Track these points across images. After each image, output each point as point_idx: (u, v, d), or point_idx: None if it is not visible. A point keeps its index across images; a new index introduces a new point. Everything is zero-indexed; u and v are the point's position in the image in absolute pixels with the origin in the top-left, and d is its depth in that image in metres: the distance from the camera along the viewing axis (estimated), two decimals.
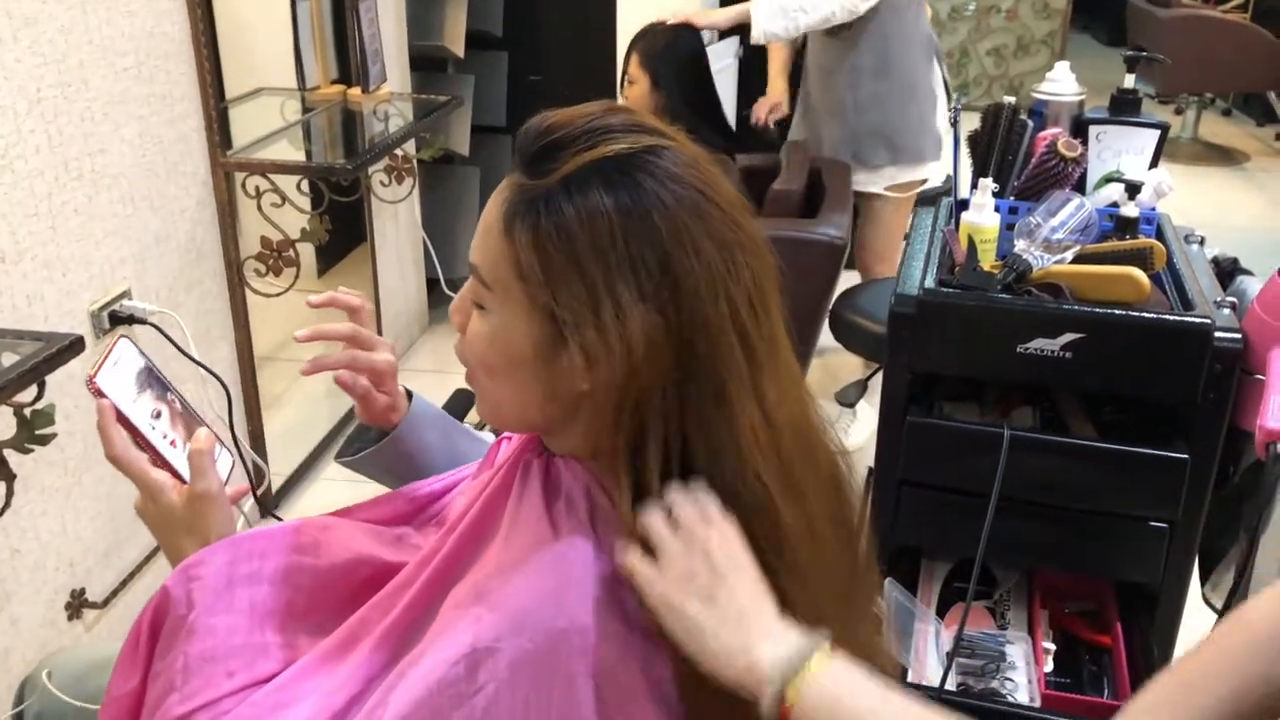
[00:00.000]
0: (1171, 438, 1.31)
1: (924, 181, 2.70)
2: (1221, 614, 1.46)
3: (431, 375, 3.41)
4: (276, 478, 2.70)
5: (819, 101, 2.74)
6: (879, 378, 2.50)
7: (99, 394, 0.88)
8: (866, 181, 2.71)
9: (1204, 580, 1.39)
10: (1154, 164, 1.50)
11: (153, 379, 0.96)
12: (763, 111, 2.95)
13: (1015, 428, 1.29)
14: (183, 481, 0.92)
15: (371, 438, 1.10)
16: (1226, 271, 1.49)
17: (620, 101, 2.60)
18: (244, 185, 2.37)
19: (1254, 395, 1.26)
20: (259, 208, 2.39)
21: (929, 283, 1.34)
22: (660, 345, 0.76)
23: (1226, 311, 1.29)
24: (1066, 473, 1.29)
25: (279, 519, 1.80)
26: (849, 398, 2.14)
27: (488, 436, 1.20)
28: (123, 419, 0.89)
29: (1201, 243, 1.53)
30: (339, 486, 2.74)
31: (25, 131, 1.73)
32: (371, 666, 0.83)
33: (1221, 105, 6.26)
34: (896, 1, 2.53)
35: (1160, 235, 1.48)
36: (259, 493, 1.04)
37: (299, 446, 2.84)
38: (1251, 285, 1.46)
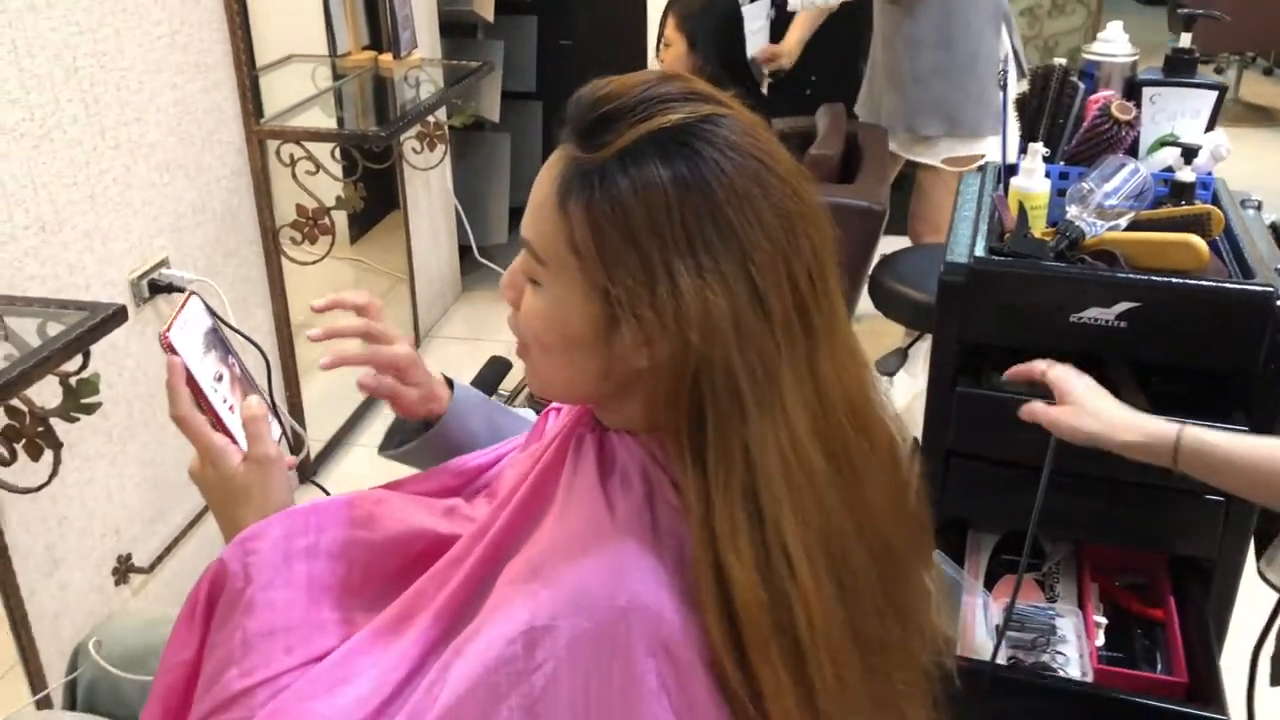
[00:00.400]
0: (1227, 408, 1.28)
1: (981, 157, 2.60)
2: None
3: (464, 343, 3.41)
4: (314, 444, 2.71)
5: (881, 70, 2.67)
6: (919, 346, 2.50)
7: (171, 350, 0.88)
8: (922, 153, 2.65)
9: (1259, 554, 1.36)
10: (1210, 127, 1.46)
11: (217, 340, 0.95)
12: (763, 55, 2.78)
13: None
14: (240, 448, 0.92)
15: (412, 428, 1.09)
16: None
17: (656, 65, 2.57)
18: (278, 153, 2.37)
19: None
20: (293, 175, 2.39)
21: (979, 251, 1.32)
22: (719, 321, 0.74)
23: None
24: None
25: (320, 487, 1.81)
26: (888, 367, 2.12)
27: (526, 413, 1.19)
28: (190, 379, 0.89)
29: (1259, 208, 1.49)
30: (376, 454, 2.75)
31: (63, 101, 1.72)
32: (427, 642, 0.83)
33: (1263, 64, 6.11)
34: None
35: (1216, 200, 1.44)
36: (299, 460, 1.04)
37: (336, 414, 2.85)
38: None
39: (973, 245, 1.35)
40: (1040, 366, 1.22)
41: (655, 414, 0.80)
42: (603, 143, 0.76)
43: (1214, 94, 1.44)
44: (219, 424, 0.91)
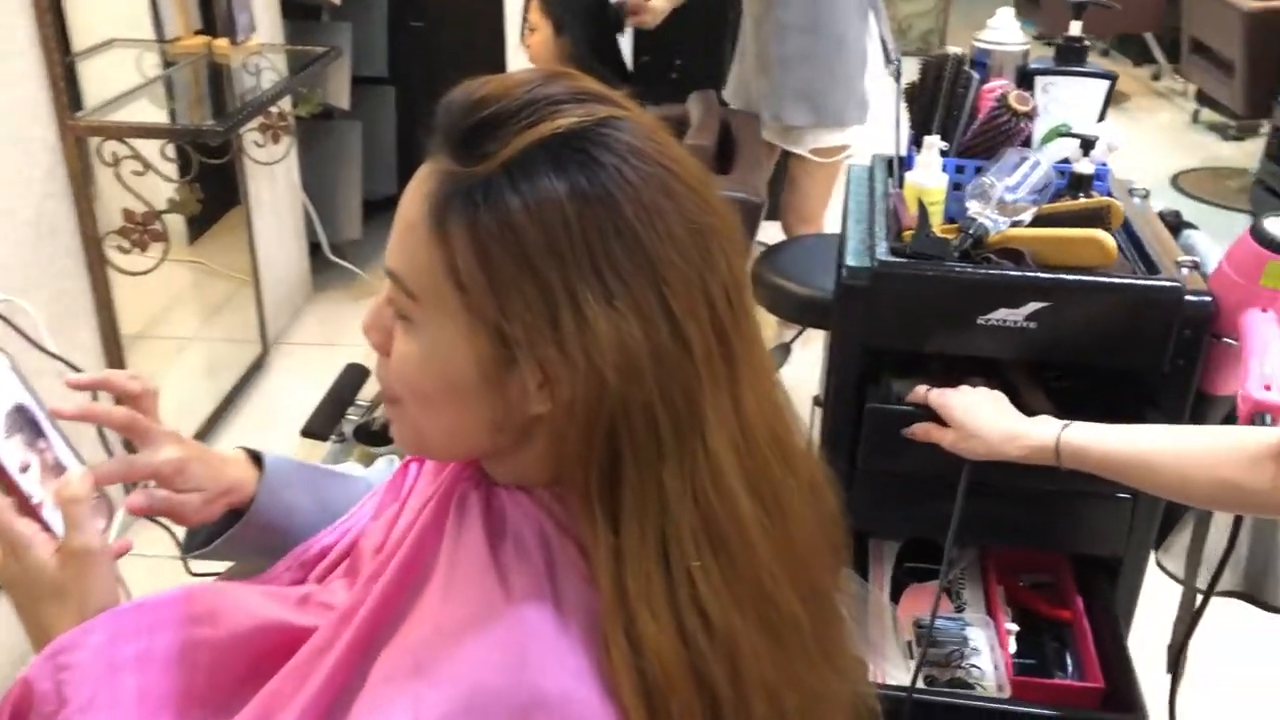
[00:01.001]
0: (1137, 406, 1.25)
1: (847, 148, 2.55)
2: (1181, 581, 1.43)
3: (318, 350, 3.20)
4: None
5: (750, 54, 2.59)
6: (801, 342, 2.44)
7: None
8: (791, 142, 2.57)
9: (1158, 545, 1.34)
10: (1102, 116, 1.43)
11: (25, 421, 0.78)
12: (631, 3, 2.53)
13: None
14: (54, 537, 0.76)
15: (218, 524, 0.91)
16: (1171, 226, 1.44)
17: (520, 49, 2.43)
18: (99, 151, 2.13)
19: (1220, 360, 1.21)
20: (118, 177, 2.15)
21: (881, 252, 1.24)
22: (636, 355, 0.64)
23: (1185, 271, 1.23)
24: None
25: (163, 524, 1.62)
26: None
27: (352, 468, 1.05)
28: None
29: (1146, 196, 1.47)
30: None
31: None
32: None
33: (1100, 45, 6.36)
34: None
35: (1108, 192, 1.41)
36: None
37: (181, 430, 2.62)
38: (1199, 240, 1.41)
39: (872, 246, 1.28)
40: (921, 391, 1.24)
41: (558, 465, 0.70)
42: (485, 153, 0.65)
43: (1106, 83, 1.41)
44: (27, 508, 0.75)
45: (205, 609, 0.77)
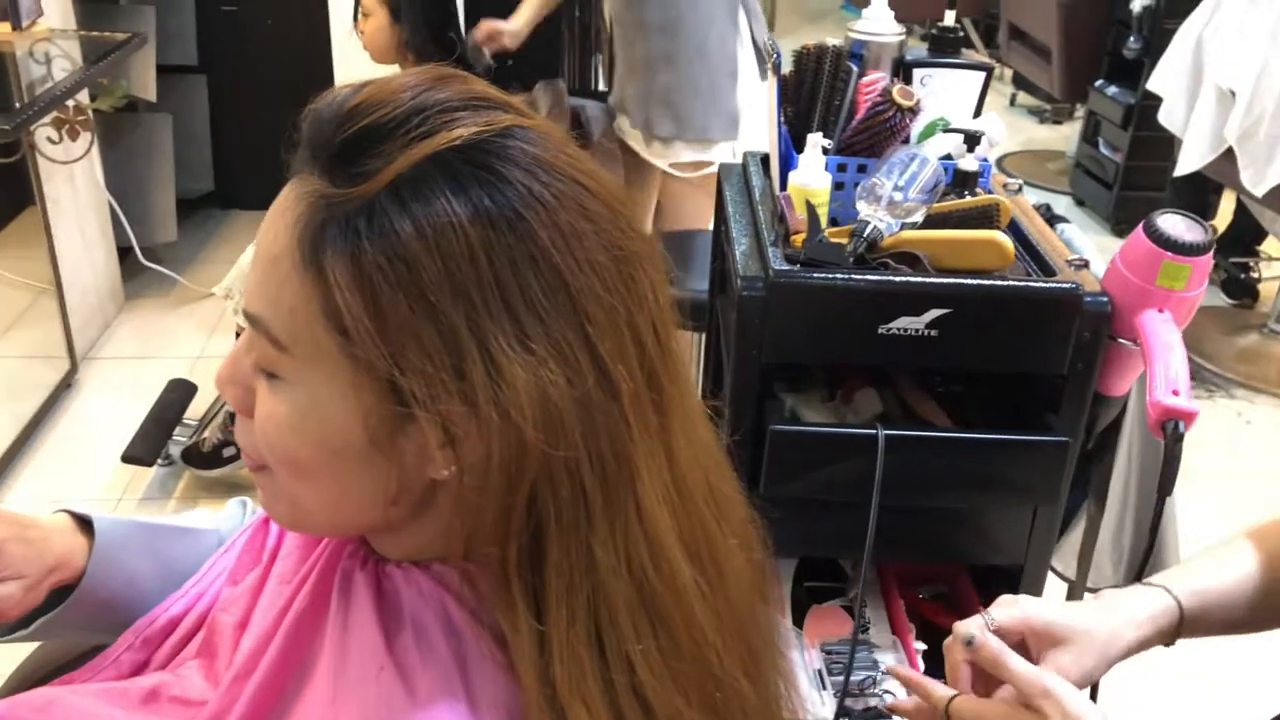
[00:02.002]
0: (1032, 411, 1.22)
1: (710, 165, 2.25)
2: (1071, 581, 1.42)
3: (133, 364, 2.92)
4: None
5: (618, 57, 2.37)
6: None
7: None
8: (656, 154, 2.33)
9: None
10: (978, 111, 1.40)
11: None
12: (481, 35, 2.42)
13: (885, 425, 1.15)
14: None
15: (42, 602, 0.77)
16: (1045, 220, 1.42)
17: (352, 36, 2.25)
18: None
19: (1115, 360, 1.19)
20: None
21: (773, 259, 1.17)
22: (558, 406, 0.55)
23: (1076, 270, 1.20)
24: (936, 467, 1.16)
25: None
26: None
27: (198, 516, 0.91)
28: None
29: (1020, 190, 1.45)
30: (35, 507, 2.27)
31: None
32: None
33: (919, 31, 6.56)
34: None
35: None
36: None
37: None
38: (1075, 235, 1.40)
39: (762, 253, 1.20)
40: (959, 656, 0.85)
41: (466, 540, 0.59)
42: (366, 171, 0.55)
43: (982, 75, 1.37)
44: None
45: None
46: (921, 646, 1.27)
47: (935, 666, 1.30)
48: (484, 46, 2.41)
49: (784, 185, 1.31)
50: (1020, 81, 4.89)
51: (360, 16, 2.17)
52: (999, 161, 4.69)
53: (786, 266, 1.14)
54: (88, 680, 0.74)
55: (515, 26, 2.46)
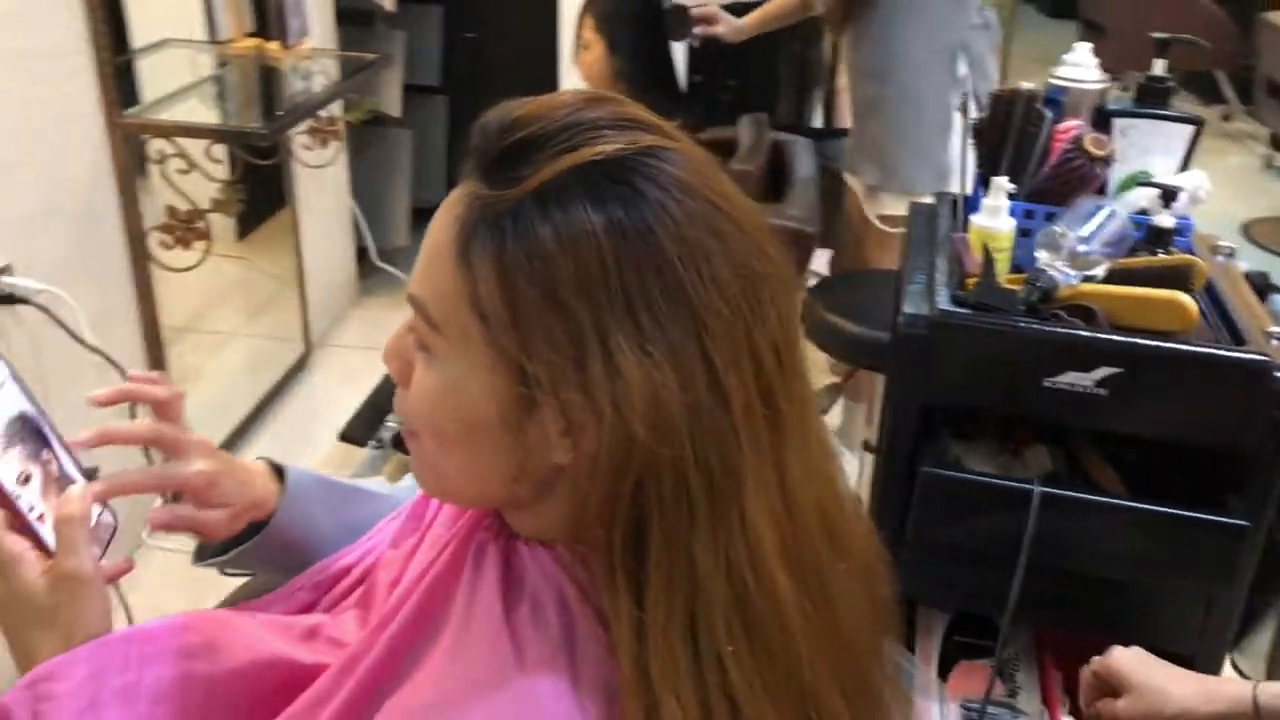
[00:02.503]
0: (1220, 491, 1.14)
1: None
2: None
3: (361, 353, 3.17)
4: None
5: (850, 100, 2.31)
6: (856, 383, 2.34)
7: None
8: (867, 204, 2.23)
9: (1233, 644, 1.24)
10: (1185, 165, 1.34)
11: (27, 431, 0.74)
12: (702, 11, 2.31)
13: (1046, 483, 1.12)
14: (48, 555, 0.71)
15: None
16: (1258, 288, 1.34)
17: (572, 67, 2.37)
18: (146, 149, 2.11)
19: None
20: (162, 174, 2.13)
21: (941, 299, 1.16)
22: (669, 410, 0.58)
23: (1276, 344, 1.13)
24: (1094, 533, 1.12)
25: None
26: (820, 403, 1.96)
27: (377, 486, 0.99)
28: None
29: (1231, 255, 1.37)
30: None
31: None
32: None
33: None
34: None
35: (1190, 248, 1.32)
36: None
37: (217, 428, 2.59)
38: None
39: (932, 292, 1.20)
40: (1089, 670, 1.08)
41: (579, 523, 0.63)
42: (516, 177, 0.60)
43: (1190, 128, 1.32)
44: (21, 525, 0.70)
45: (202, 641, 0.72)
46: None
47: None
48: (698, 23, 2.34)
49: (965, 227, 1.30)
50: (1278, 142, 4.53)
51: (580, 49, 2.29)
52: (1245, 227, 4.36)
53: (952, 308, 1.14)
54: (264, 609, 0.83)
55: (739, 23, 2.38)
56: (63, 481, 0.75)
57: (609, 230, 0.58)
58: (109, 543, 0.77)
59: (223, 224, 3.47)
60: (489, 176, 0.61)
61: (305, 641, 0.78)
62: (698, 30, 2.37)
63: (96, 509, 0.75)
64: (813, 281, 2.17)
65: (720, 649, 0.61)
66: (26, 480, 0.72)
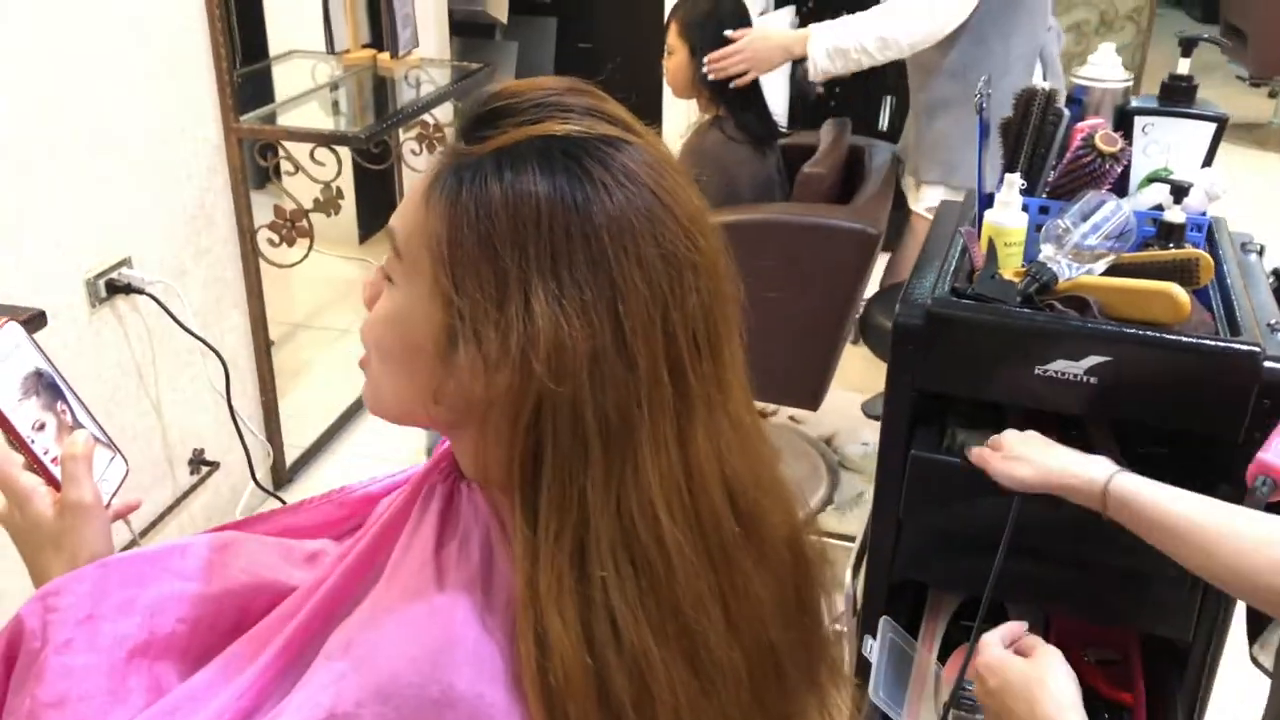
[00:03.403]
0: (1212, 478, 1.15)
1: None
2: (1274, 678, 1.30)
3: None
4: (292, 450, 2.65)
5: (911, 98, 2.37)
6: None
7: None
8: (916, 196, 2.29)
9: (1252, 638, 1.22)
10: (1208, 162, 1.33)
11: (42, 385, 0.87)
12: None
13: None
14: (59, 490, 0.83)
15: None
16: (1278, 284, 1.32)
17: (664, 72, 2.44)
18: (258, 152, 2.30)
19: None
20: (269, 175, 2.33)
21: (941, 291, 1.20)
22: (570, 355, 0.65)
23: (1271, 332, 1.13)
24: (1080, 518, 1.13)
25: (282, 501, 1.67)
26: (875, 409, 1.98)
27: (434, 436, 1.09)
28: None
29: (1261, 252, 1.35)
30: (357, 463, 2.68)
31: (21, 90, 1.67)
32: (235, 714, 0.74)
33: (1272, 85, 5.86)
34: None
35: (1212, 243, 1.31)
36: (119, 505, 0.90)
37: (316, 421, 2.79)
38: None
39: (936, 284, 1.23)
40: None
41: (493, 458, 0.71)
42: (484, 137, 0.68)
43: (1212, 126, 1.31)
44: (35, 464, 0.83)
45: (201, 563, 0.82)
46: None
47: None
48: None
49: (979, 224, 1.33)
50: None
51: (666, 53, 2.37)
52: None
53: (948, 298, 1.17)
54: (284, 520, 0.90)
55: (797, 31, 2.33)
56: (75, 429, 0.88)
57: (550, 196, 0.65)
58: (119, 485, 0.89)
59: (346, 228, 3.70)
60: (465, 135, 0.70)
61: (305, 565, 0.87)
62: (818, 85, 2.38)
63: (109, 455, 0.87)
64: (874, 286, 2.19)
65: (605, 574, 0.67)
66: (41, 427, 0.84)
